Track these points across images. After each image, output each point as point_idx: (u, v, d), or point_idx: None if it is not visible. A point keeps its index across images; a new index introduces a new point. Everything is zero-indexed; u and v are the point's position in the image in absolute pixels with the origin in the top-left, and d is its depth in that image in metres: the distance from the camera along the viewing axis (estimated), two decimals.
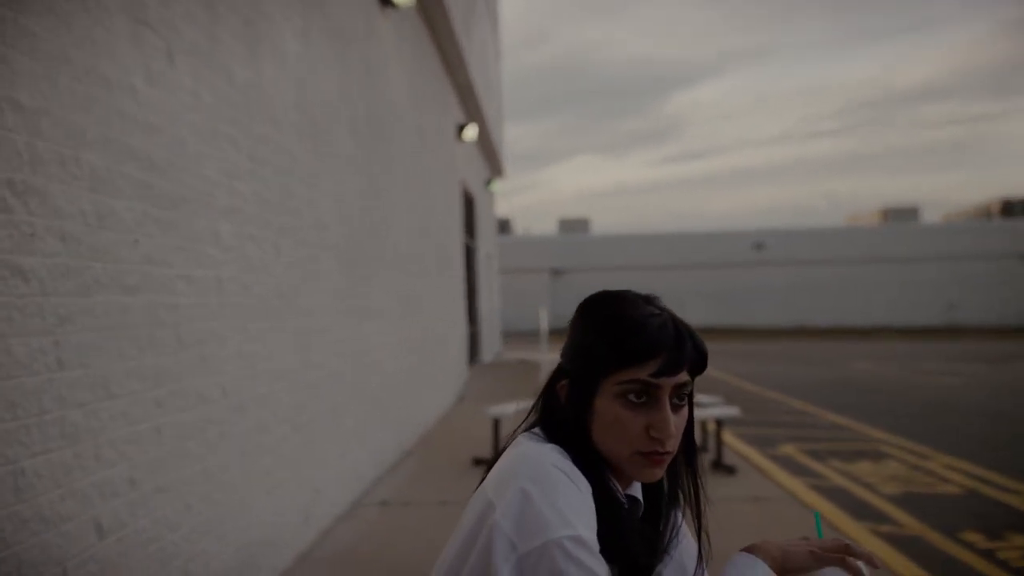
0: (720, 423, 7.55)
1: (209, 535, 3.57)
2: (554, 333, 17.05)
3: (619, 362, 1.23)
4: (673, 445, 1.25)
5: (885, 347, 27.21)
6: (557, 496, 1.14)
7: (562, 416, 1.30)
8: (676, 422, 1.25)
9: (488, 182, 19.53)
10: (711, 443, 7.84)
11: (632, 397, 1.23)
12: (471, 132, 13.15)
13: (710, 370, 11.19)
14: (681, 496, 1.39)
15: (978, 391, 13.84)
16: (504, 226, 43.38)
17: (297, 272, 4.90)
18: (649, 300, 1.31)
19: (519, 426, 1.39)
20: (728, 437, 8.75)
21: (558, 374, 1.35)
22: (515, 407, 7.90)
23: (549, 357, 13.64)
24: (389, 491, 6.45)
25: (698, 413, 7.96)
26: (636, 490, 1.36)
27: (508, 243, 38.82)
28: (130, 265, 2.97)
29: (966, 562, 4.91)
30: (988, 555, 5.03)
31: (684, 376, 1.25)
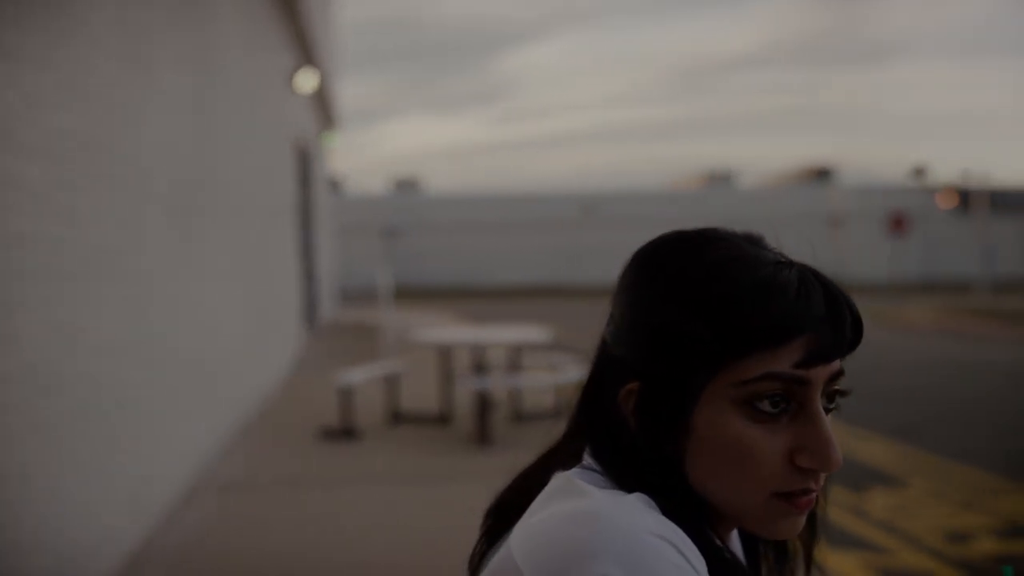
0: None
1: (11, 551, 2.90)
2: (396, 294, 16.37)
3: (740, 349, 0.74)
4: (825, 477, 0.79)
5: None
6: None
7: (630, 440, 0.80)
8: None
9: (322, 136, 18.58)
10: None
11: (766, 405, 0.75)
12: (308, 81, 12.27)
13: (563, 330, 10.97)
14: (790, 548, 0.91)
15: None
16: (337, 184, 42.08)
17: (121, 225, 4.16)
18: (756, 242, 0.84)
19: (550, 451, 0.89)
20: None
21: (616, 371, 0.82)
22: (364, 375, 7.38)
23: (389, 317, 13.10)
24: (231, 472, 5.79)
25: (557, 378, 7.71)
26: (735, 543, 0.89)
27: (342, 201, 37.60)
28: None
29: (835, 520, 4.88)
30: (855, 511, 5.04)
31: (838, 363, 0.78)
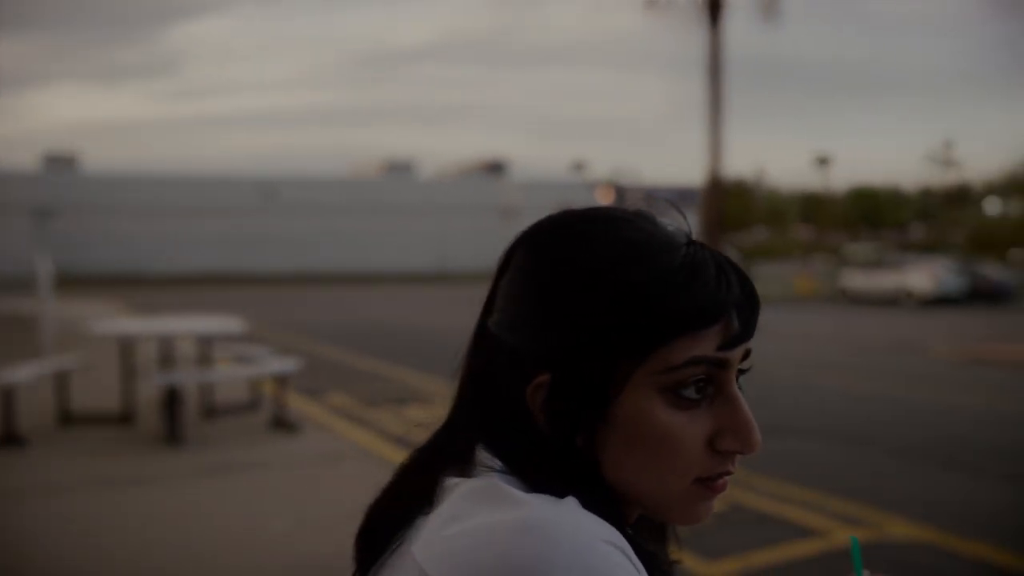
0: (281, 381, 7.11)
1: None
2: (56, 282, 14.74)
3: (667, 335, 0.71)
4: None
5: (388, 292, 28.79)
6: None
7: (540, 436, 0.74)
8: None
9: None
10: (269, 401, 7.37)
11: (691, 392, 0.72)
12: None
13: (248, 320, 10.55)
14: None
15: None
16: None
17: None
18: (652, 220, 0.78)
19: (424, 456, 0.80)
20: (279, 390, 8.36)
21: (514, 363, 0.76)
22: (29, 372, 6.62)
23: (49, 308, 11.80)
24: None
25: (253, 370, 7.44)
26: None
27: None
28: None
29: None
30: None
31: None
